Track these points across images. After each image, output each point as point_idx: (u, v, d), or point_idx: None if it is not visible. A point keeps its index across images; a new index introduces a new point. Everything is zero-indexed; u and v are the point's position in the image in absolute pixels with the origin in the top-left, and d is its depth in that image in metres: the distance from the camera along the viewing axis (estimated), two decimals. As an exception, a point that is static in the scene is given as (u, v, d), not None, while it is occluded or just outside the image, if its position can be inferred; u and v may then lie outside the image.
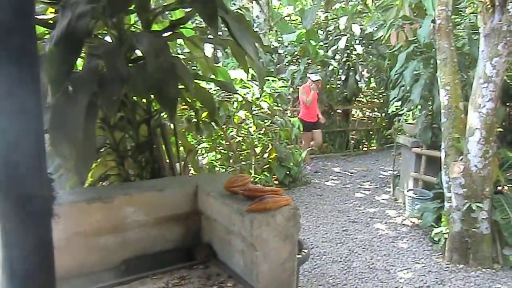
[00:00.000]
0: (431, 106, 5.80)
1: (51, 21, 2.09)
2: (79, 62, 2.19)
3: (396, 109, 8.33)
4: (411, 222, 5.49)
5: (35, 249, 1.00)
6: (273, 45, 10.90)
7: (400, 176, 6.77)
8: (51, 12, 2.27)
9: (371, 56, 10.14)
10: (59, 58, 1.66)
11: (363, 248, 4.83)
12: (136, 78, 2.02)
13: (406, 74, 5.55)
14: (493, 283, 4.02)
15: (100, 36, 2.36)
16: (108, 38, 2.36)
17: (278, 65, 10.66)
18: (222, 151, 6.63)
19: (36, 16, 1.51)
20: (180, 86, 2.19)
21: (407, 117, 7.31)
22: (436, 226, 4.74)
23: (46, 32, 2.08)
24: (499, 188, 4.63)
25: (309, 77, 8.23)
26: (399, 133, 6.94)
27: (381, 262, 4.48)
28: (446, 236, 4.52)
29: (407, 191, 5.86)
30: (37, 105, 1.00)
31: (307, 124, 8.07)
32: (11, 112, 0.93)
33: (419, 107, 6.13)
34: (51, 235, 1.01)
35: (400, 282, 4.06)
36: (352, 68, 9.88)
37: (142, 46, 1.92)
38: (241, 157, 6.67)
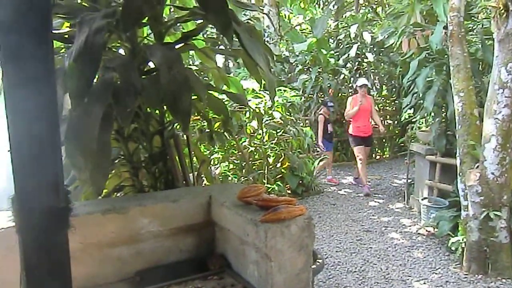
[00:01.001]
0: (444, 113, 5.74)
1: (66, 36, 2.12)
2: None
3: (409, 116, 8.28)
4: (426, 231, 5.41)
5: (52, 260, 1.01)
6: (284, 54, 10.94)
7: (414, 184, 6.70)
8: (66, 27, 2.31)
9: (382, 64, 10.11)
10: (78, 73, 1.69)
11: (378, 258, 4.77)
12: (150, 90, 2.04)
13: (419, 81, 5.51)
14: (513, 293, 3.93)
15: (114, 49, 2.40)
16: (121, 51, 2.40)
17: (289, 74, 10.70)
18: (235, 161, 6.65)
19: (53, 31, 1.54)
20: (193, 97, 2.20)
21: (420, 124, 7.25)
22: (453, 235, 4.67)
23: (62, 46, 2.12)
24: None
25: (361, 85, 7.44)
26: (412, 140, 6.88)
27: (396, 272, 4.42)
28: (463, 245, 4.44)
29: (422, 199, 5.80)
30: (53, 118, 1.01)
31: (354, 139, 7.46)
32: (28, 124, 0.95)
33: (432, 114, 6.08)
34: (67, 247, 1.02)
35: (417, 293, 4.00)
36: (363, 76, 9.85)
37: (156, 58, 1.94)
38: (254, 167, 6.67)
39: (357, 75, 9.92)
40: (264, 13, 8.31)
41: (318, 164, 7.73)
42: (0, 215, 1.69)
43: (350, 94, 10.20)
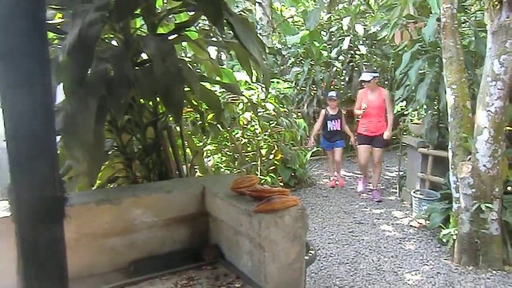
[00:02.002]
0: (437, 106, 5.78)
1: (59, 26, 2.11)
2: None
3: (401, 109, 8.32)
4: (418, 223, 5.46)
5: (48, 250, 1.01)
6: (276, 46, 10.91)
7: (406, 176, 6.75)
8: (59, 18, 2.29)
9: (375, 56, 10.12)
10: (72, 66, 1.69)
11: (370, 250, 4.81)
12: (143, 81, 2.03)
13: (411, 74, 5.53)
14: (504, 285, 3.97)
15: (106, 40, 2.38)
16: (114, 42, 2.39)
17: (282, 67, 10.68)
18: (228, 153, 6.65)
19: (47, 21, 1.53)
20: (186, 89, 2.20)
21: (412, 117, 7.28)
22: (444, 227, 4.71)
23: (55, 37, 2.11)
24: (509, 188, 4.60)
25: (362, 80, 6.82)
26: (404, 133, 6.92)
27: (388, 264, 4.46)
28: (454, 237, 4.49)
29: (414, 192, 5.84)
30: (48, 109, 1.02)
31: (358, 137, 6.88)
32: (24, 115, 0.95)
33: (425, 106, 6.11)
34: (63, 236, 1.03)
35: (409, 284, 4.04)
36: (356, 69, 9.86)
37: (149, 49, 1.94)
38: (246, 159, 6.68)
39: (349, 68, 9.93)
40: (257, 1, 8.26)
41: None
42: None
43: (343, 86, 10.23)
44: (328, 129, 7.14)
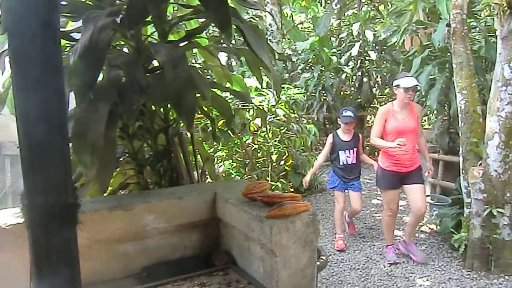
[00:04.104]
0: (447, 111, 5.73)
1: (71, 34, 2.14)
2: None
3: (412, 114, 8.26)
4: (429, 228, 5.41)
5: (61, 256, 1.02)
6: (286, 53, 10.93)
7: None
8: (71, 25, 2.33)
9: (385, 62, 10.09)
10: (83, 70, 1.71)
11: (381, 255, 4.77)
12: (154, 88, 2.05)
13: (421, 79, 5.49)
14: (516, 290, 3.93)
15: (118, 48, 2.41)
16: (125, 49, 2.41)
17: (292, 73, 10.69)
18: (239, 159, 6.66)
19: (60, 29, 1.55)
20: (196, 95, 2.22)
21: (422, 122, 7.23)
22: (456, 233, 4.66)
23: (68, 44, 2.14)
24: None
25: (397, 86, 4.33)
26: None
27: (399, 269, 4.42)
28: (466, 242, 4.44)
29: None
30: (61, 115, 1.03)
31: (384, 175, 4.52)
32: (37, 122, 0.96)
33: (435, 112, 6.07)
34: (76, 242, 1.04)
35: (420, 290, 4.00)
36: (366, 75, 9.84)
37: (160, 56, 1.96)
38: (257, 165, 6.68)
39: (359, 74, 9.90)
40: (267, 11, 8.27)
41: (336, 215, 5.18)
42: (8, 211, 1.71)
43: (353, 91, 10.19)
44: (341, 163, 4.96)
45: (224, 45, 2.97)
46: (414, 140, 4.41)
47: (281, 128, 6.82)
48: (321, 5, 13.18)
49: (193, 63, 3.48)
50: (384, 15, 10.81)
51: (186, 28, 2.94)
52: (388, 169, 4.46)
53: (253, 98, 6.09)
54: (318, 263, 3.09)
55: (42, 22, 0.94)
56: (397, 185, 4.51)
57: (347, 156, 4.96)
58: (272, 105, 6.41)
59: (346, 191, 5.06)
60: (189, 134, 2.76)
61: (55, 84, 0.98)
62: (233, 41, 2.71)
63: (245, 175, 6.46)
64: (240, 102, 5.76)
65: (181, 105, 2.00)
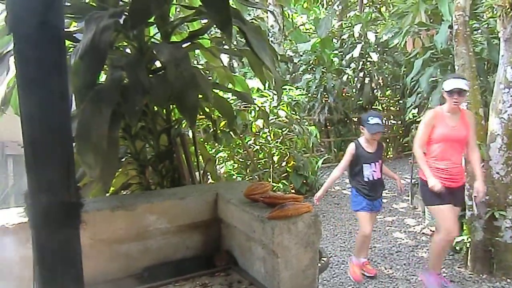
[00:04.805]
0: (450, 113, 5.73)
1: (74, 35, 2.15)
2: (102, 74, 2.25)
3: (413, 116, 8.26)
4: (431, 231, 5.40)
5: (64, 255, 1.02)
6: (288, 54, 10.95)
7: (418, 184, 6.68)
8: (74, 26, 2.33)
9: (386, 64, 10.10)
10: (84, 70, 1.72)
11: (382, 257, 4.77)
12: (157, 88, 2.06)
13: (423, 81, 5.51)
14: (519, 293, 3.91)
15: (121, 48, 2.42)
16: (128, 50, 2.42)
17: (294, 74, 10.70)
18: (240, 160, 6.66)
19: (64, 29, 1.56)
20: (199, 96, 2.22)
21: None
22: (458, 235, 4.66)
23: (71, 45, 2.14)
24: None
25: (442, 89, 3.83)
26: (417, 140, 6.85)
27: (401, 272, 4.42)
28: (468, 245, 4.43)
29: (427, 199, 5.77)
30: (65, 115, 1.04)
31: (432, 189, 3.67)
32: (41, 122, 0.97)
33: (437, 114, 6.05)
34: (79, 241, 1.04)
35: (421, 292, 3.99)
36: (367, 76, 9.85)
37: (163, 56, 1.96)
38: (259, 166, 6.68)
39: (361, 75, 9.89)
40: (269, 11, 8.27)
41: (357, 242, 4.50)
42: (12, 211, 1.71)
43: (354, 93, 10.20)
44: (365, 179, 4.15)
45: (226, 47, 2.98)
46: (461, 150, 3.82)
47: (283, 129, 6.83)
48: (323, 7, 13.20)
49: (195, 64, 3.49)
50: (386, 17, 10.83)
51: (189, 29, 2.95)
52: (425, 178, 3.80)
53: (255, 99, 6.09)
54: (319, 264, 3.10)
55: (46, 23, 0.94)
56: (447, 200, 3.70)
57: (373, 171, 4.14)
58: (274, 106, 6.42)
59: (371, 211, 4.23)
60: (191, 135, 2.77)
61: (59, 85, 0.99)
62: (235, 42, 2.71)
63: (247, 176, 6.47)
64: (242, 103, 5.77)
65: (184, 103, 2.00)
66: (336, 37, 11.13)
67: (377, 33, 9.82)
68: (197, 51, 3.40)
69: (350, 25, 10.83)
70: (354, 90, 10.17)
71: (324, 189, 4.29)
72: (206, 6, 2.02)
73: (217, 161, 6.26)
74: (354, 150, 4.13)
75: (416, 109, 7.25)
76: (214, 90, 2.55)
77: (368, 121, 4.04)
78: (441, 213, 3.76)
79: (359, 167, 4.14)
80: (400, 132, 10.35)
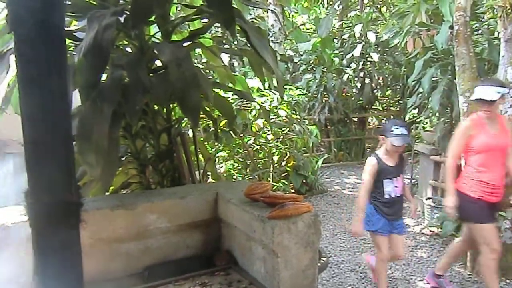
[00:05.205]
0: (450, 113, 5.73)
1: (75, 33, 2.14)
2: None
3: (413, 116, 8.27)
4: (430, 231, 5.40)
5: (64, 254, 1.02)
6: (288, 54, 10.94)
7: (418, 184, 6.69)
8: (74, 25, 2.33)
9: (386, 64, 10.09)
10: (87, 68, 1.72)
11: (382, 257, 4.76)
12: (158, 88, 2.06)
13: (424, 81, 5.50)
14: (518, 294, 3.91)
15: (121, 47, 2.42)
16: (129, 49, 2.42)
17: (294, 74, 10.69)
18: (240, 159, 6.66)
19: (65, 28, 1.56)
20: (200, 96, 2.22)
21: (425, 124, 7.23)
22: (457, 235, 4.65)
23: (71, 44, 2.14)
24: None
25: (482, 100, 3.41)
26: (416, 140, 6.87)
27: (400, 272, 4.42)
28: (467, 245, 4.43)
29: (426, 199, 5.78)
30: (66, 114, 1.03)
31: (473, 205, 3.44)
32: (41, 121, 0.97)
33: (437, 114, 6.06)
34: (79, 240, 1.04)
35: (421, 292, 3.99)
36: (367, 76, 9.84)
37: (164, 56, 1.96)
38: (259, 165, 6.68)
39: (361, 75, 9.88)
40: (270, 10, 8.25)
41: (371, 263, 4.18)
42: (12, 209, 1.71)
43: (354, 93, 10.20)
44: (386, 196, 3.60)
45: (227, 46, 2.98)
46: (501, 161, 3.45)
47: (283, 129, 6.82)
48: (323, 6, 13.19)
49: (196, 64, 3.48)
50: (387, 17, 10.83)
51: (189, 28, 2.95)
52: (477, 197, 3.38)
53: (255, 99, 6.09)
54: (319, 264, 3.09)
55: (47, 22, 0.94)
56: (490, 218, 3.41)
57: (395, 187, 3.59)
58: (274, 106, 6.42)
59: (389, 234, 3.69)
60: (191, 134, 2.77)
61: (59, 83, 0.99)
62: (235, 42, 2.71)
63: (246, 176, 6.46)
64: (242, 103, 5.77)
65: (186, 102, 2.00)
66: (336, 37, 11.12)
67: (378, 33, 9.81)
68: (197, 50, 3.40)
69: (350, 25, 10.83)
70: (354, 90, 10.16)
71: (359, 220, 3.57)
72: (209, 5, 2.02)
73: (217, 161, 6.25)
74: (375, 164, 3.57)
75: (416, 109, 7.25)
76: (214, 89, 2.55)
77: (392, 131, 3.45)
78: (484, 232, 3.42)
79: (379, 183, 3.61)
80: (400, 132, 10.33)
